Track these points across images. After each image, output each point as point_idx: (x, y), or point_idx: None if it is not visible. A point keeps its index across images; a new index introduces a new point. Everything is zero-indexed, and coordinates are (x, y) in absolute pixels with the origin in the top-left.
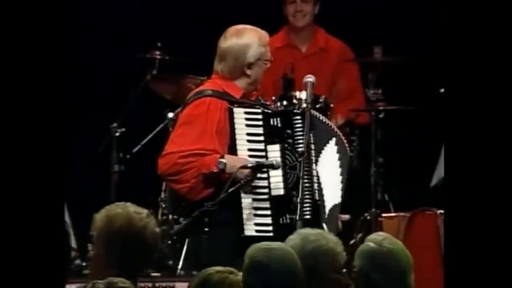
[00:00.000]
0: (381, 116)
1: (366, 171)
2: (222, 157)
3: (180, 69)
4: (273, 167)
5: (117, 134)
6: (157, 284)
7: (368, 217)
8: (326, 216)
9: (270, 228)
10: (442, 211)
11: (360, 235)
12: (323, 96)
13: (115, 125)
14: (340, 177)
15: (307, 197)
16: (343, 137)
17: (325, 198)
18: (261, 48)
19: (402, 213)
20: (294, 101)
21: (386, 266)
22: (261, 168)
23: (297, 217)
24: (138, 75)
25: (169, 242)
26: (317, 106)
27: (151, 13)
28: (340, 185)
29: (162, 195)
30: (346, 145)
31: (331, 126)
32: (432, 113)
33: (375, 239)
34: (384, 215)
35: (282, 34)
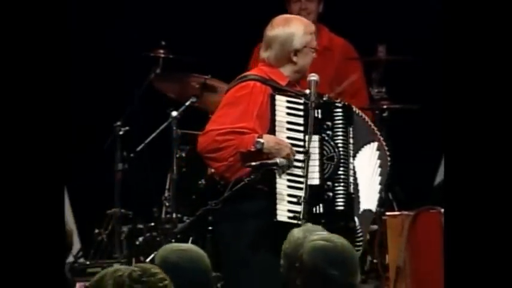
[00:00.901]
0: (384, 114)
1: None
2: (261, 137)
3: (184, 68)
4: (277, 165)
5: (121, 133)
6: None
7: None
8: (359, 212)
9: (300, 216)
10: None
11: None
12: (326, 95)
13: (119, 123)
14: (379, 187)
15: (341, 188)
16: (385, 145)
17: (360, 194)
18: (307, 36)
19: (406, 212)
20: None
21: (342, 261)
22: (264, 167)
23: (301, 216)
24: (142, 73)
25: (173, 240)
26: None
27: (155, 12)
28: (378, 195)
29: (166, 193)
30: (388, 153)
31: (374, 129)
32: (436, 111)
33: (323, 237)
34: (387, 213)
35: None
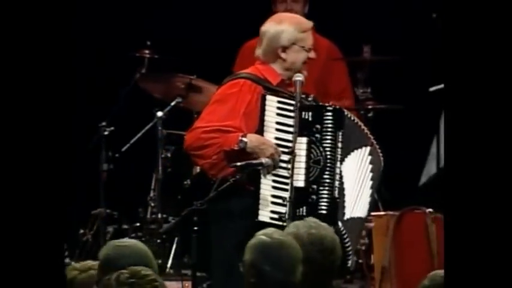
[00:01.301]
0: (369, 114)
1: None
2: (245, 136)
3: (170, 68)
4: (262, 165)
5: (106, 133)
6: None
7: None
8: (344, 218)
9: (285, 217)
10: (430, 210)
11: None
12: (312, 95)
13: (104, 123)
14: (370, 190)
15: (326, 192)
16: (378, 150)
17: (346, 198)
18: (297, 34)
19: (391, 212)
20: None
21: (277, 257)
22: (250, 167)
23: (286, 216)
24: (128, 74)
25: (159, 240)
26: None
27: (141, 12)
28: (369, 199)
29: (151, 193)
30: (381, 158)
31: (367, 134)
32: (421, 112)
33: (266, 232)
34: (373, 213)
35: None
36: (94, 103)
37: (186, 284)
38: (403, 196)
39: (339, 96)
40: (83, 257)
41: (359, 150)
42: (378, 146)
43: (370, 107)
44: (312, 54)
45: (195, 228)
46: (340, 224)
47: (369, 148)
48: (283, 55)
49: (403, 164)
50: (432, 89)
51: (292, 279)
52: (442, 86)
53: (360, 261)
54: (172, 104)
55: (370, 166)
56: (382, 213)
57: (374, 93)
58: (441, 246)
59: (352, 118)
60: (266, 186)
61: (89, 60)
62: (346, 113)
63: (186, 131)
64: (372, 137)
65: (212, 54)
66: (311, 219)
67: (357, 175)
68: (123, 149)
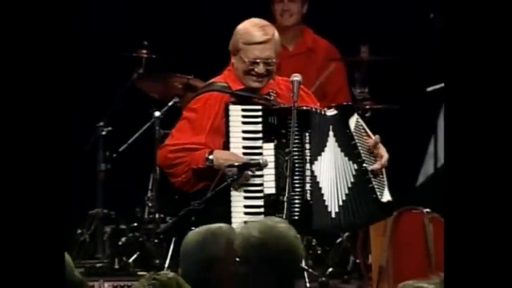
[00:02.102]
0: (367, 115)
1: None
2: (211, 152)
3: (167, 68)
4: (260, 165)
5: (104, 133)
6: None
7: None
8: (331, 216)
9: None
10: (428, 210)
11: (346, 234)
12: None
13: (101, 123)
14: (347, 158)
15: (296, 196)
16: (330, 114)
17: (326, 197)
18: (240, 44)
19: None
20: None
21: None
22: (247, 167)
23: (284, 216)
24: (125, 73)
25: (156, 240)
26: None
27: (137, 12)
28: (352, 164)
29: (149, 193)
30: (334, 113)
31: (325, 114)
32: (419, 112)
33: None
34: None
35: None
36: (91, 103)
37: None
38: (401, 196)
39: (336, 97)
40: (80, 257)
41: (328, 143)
42: (331, 112)
43: (367, 107)
44: (260, 69)
45: (193, 228)
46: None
47: (331, 133)
48: (232, 59)
49: (400, 164)
50: (430, 89)
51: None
52: (439, 86)
53: (358, 261)
54: (170, 104)
55: (338, 149)
56: None
57: (371, 93)
58: (439, 246)
59: (322, 113)
60: (238, 198)
61: (86, 60)
62: (313, 112)
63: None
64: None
65: (209, 54)
66: (271, 218)
67: (335, 170)
68: (121, 149)
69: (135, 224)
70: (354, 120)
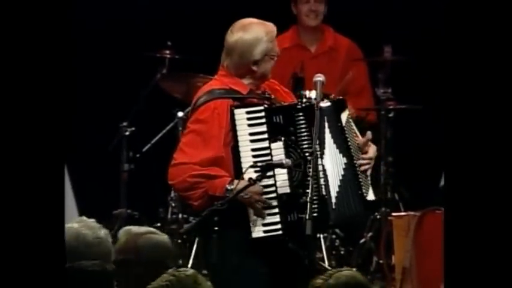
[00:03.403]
0: (390, 115)
1: (375, 170)
2: (231, 182)
3: (190, 68)
4: (283, 166)
5: (127, 133)
6: None
7: (378, 216)
8: (333, 206)
9: (279, 226)
10: None
11: (370, 234)
12: (332, 95)
13: (125, 124)
14: (339, 150)
15: (313, 193)
16: (326, 105)
17: (330, 189)
18: (268, 44)
19: (412, 213)
20: (304, 100)
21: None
22: (271, 168)
23: (307, 216)
24: (148, 74)
25: (179, 241)
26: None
27: (161, 12)
28: (342, 157)
29: (172, 194)
30: (328, 105)
31: (325, 108)
32: (442, 112)
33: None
34: (393, 214)
35: (290, 34)
36: (115, 103)
37: None
38: (424, 197)
39: (358, 96)
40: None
41: (326, 132)
42: (325, 104)
43: (391, 107)
44: (275, 59)
45: (216, 228)
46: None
47: (326, 121)
48: (254, 68)
49: (423, 164)
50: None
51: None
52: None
53: (381, 261)
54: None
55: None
56: (403, 213)
57: (395, 93)
58: None
59: (322, 108)
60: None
61: (110, 61)
62: (316, 107)
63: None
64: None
65: None
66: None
67: (332, 163)
68: (144, 149)
69: (158, 224)
70: (345, 115)
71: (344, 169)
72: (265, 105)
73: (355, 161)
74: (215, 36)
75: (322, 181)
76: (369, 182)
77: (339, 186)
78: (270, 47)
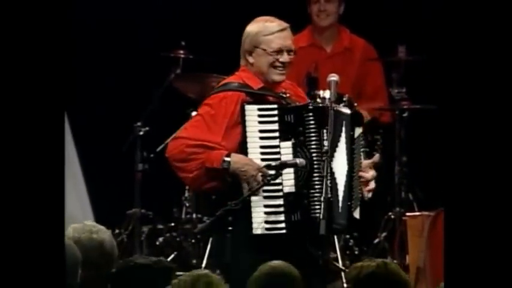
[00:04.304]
0: (404, 115)
1: (390, 170)
2: (229, 155)
3: (204, 68)
4: (297, 165)
5: (141, 133)
6: None
7: (392, 216)
8: (340, 210)
9: (282, 225)
10: None
11: (384, 234)
12: (347, 95)
13: (139, 124)
14: (346, 156)
15: (317, 194)
16: (344, 110)
17: (339, 193)
18: (259, 37)
19: (426, 213)
20: (318, 99)
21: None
22: (285, 167)
23: (321, 216)
24: (162, 74)
25: (193, 240)
26: (341, 105)
27: (175, 12)
28: (346, 164)
29: (186, 194)
30: (347, 112)
31: (340, 111)
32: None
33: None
34: (408, 214)
35: (306, 33)
36: (129, 103)
37: None
38: (439, 196)
39: (373, 97)
40: (118, 257)
41: (341, 136)
42: (345, 109)
43: (405, 107)
44: (285, 57)
45: (230, 228)
46: (338, 222)
47: (344, 123)
48: (250, 59)
49: (438, 164)
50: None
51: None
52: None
53: (395, 261)
54: None
55: (345, 139)
56: (417, 213)
57: (409, 93)
58: None
59: (337, 109)
60: (257, 197)
61: (124, 61)
62: (330, 109)
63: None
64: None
65: None
66: (90, 224)
67: (347, 166)
68: (158, 149)
69: (173, 224)
70: (359, 130)
71: (345, 177)
72: (278, 104)
73: (354, 174)
74: (229, 36)
75: (328, 183)
76: (359, 202)
77: (343, 194)
78: (261, 40)
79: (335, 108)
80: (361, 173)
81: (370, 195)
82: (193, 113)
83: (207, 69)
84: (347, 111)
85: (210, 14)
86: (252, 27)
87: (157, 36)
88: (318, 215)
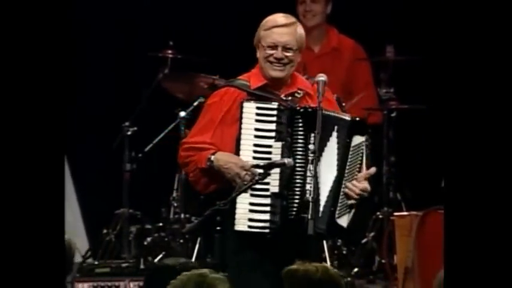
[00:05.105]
0: (393, 115)
1: (378, 170)
2: (214, 154)
3: (192, 68)
4: (285, 166)
5: (130, 133)
6: None
7: (380, 216)
8: (320, 214)
9: (267, 224)
10: None
11: (372, 234)
12: (335, 95)
13: (127, 123)
14: (336, 162)
15: (296, 196)
16: (342, 116)
17: (321, 197)
18: (260, 32)
19: (414, 212)
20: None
21: None
22: (273, 167)
23: (309, 216)
24: (151, 74)
25: (181, 240)
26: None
27: (163, 12)
28: (335, 169)
29: (174, 193)
30: (347, 118)
31: (332, 115)
32: (444, 111)
33: None
34: (396, 214)
35: None
36: (117, 103)
37: None
38: (426, 196)
39: (362, 97)
40: (106, 257)
41: (330, 139)
42: (345, 116)
43: (393, 107)
44: (278, 53)
45: (218, 228)
46: (310, 224)
47: (335, 128)
48: (257, 54)
49: (426, 164)
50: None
51: None
52: None
53: (383, 261)
54: (195, 104)
55: (337, 145)
56: (405, 213)
57: (397, 93)
58: None
59: (326, 113)
60: (242, 195)
61: (112, 61)
62: (319, 113)
63: None
64: (337, 114)
65: (235, 54)
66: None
67: (337, 172)
68: (146, 149)
69: (161, 224)
70: (359, 139)
71: (332, 182)
72: (278, 104)
73: (344, 181)
74: (217, 36)
75: (308, 186)
76: (348, 210)
77: (326, 199)
78: (261, 35)
79: (325, 113)
80: (353, 182)
81: (351, 201)
82: (182, 113)
83: (195, 69)
84: (345, 117)
85: (198, 14)
86: (263, 21)
87: (146, 36)
88: (292, 217)
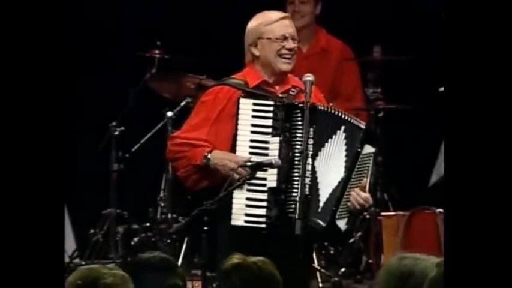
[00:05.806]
0: (380, 115)
1: None
2: (211, 151)
3: (180, 68)
4: (272, 166)
5: (117, 133)
6: None
7: (367, 216)
8: (319, 210)
9: (263, 219)
10: (441, 210)
11: (359, 234)
12: (323, 95)
13: (114, 123)
14: (344, 164)
15: (294, 191)
16: (355, 122)
17: (320, 192)
18: (261, 28)
19: (401, 212)
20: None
21: None
22: (260, 167)
23: (296, 216)
24: (138, 74)
25: (169, 240)
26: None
27: (150, 12)
28: (343, 171)
29: (162, 193)
30: (361, 126)
31: (339, 115)
32: (431, 112)
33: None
34: (383, 213)
35: None
36: (104, 103)
37: (196, 284)
38: (413, 196)
39: (349, 97)
40: (93, 257)
41: (333, 137)
42: (353, 119)
43: (380, 107)
44: (290, 44)
45: (205, 228)
46: (313, 220)
47: (343, 128)
48: (255, 52)
49: (413, 163)
50: (442, 89)
51: None
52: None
53: (370, 261)
54: (182, 104)
55: (345, 146)
56: (392, 213)
57: (384, 93)
58: None
59: (323, 109)
60: (240, 190)
61: (99, 60)
62: (318, 109)
63: None
64: (344, 115)
65: (222, 54)
66: None
67: (332, 165)
68: (133, 149)
69: (148, 224)
70: (368, 149)
71: (337, 182)
72: (274, 100)
73: (349, 185)
74: (204, 36)
75: (307, 181)
76: (348, 214)
77: (328, 197)
78: (264, 30)
79: (329, 111)
80: (356, 190)
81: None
82: (169, 113)
83: (183, 69)
84: (356, 122)
85: (186, 14)
86: (252, 22)
87: (133, 36)
88: (290, 211)
